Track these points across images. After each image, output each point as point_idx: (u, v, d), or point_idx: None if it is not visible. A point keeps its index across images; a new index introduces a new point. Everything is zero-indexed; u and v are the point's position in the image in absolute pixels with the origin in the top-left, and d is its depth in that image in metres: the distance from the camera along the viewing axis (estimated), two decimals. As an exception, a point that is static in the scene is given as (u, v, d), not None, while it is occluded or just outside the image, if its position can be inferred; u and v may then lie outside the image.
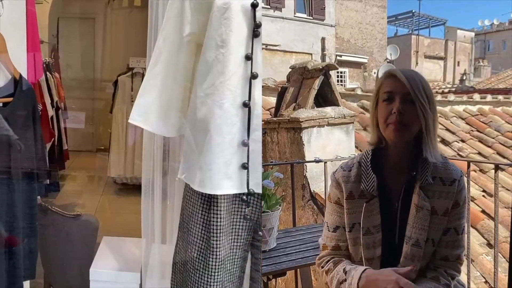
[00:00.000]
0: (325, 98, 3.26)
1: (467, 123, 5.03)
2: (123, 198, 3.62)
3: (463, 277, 1.59)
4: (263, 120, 3.31)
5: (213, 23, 1.13)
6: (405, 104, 1.08)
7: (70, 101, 4.50)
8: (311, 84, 3.16)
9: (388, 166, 1.17)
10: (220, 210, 1.17)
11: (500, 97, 5.81)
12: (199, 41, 1.18)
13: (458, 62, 21.96)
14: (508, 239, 2.54)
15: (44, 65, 3.62)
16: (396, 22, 22.80)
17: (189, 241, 1.21)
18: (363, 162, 1.18)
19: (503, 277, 2.23)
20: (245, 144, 1.13)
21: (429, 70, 19.25)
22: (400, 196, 1.15)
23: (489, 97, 5.61)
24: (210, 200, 1.17)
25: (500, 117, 5.21)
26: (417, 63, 19.88)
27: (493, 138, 4.65)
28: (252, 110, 1.13)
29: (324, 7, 13.38)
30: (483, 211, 3.26)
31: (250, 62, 1.12)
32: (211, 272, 1.18)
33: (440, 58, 21.58)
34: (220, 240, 1.18)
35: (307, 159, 2.91)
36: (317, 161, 2.65)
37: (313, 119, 3.01)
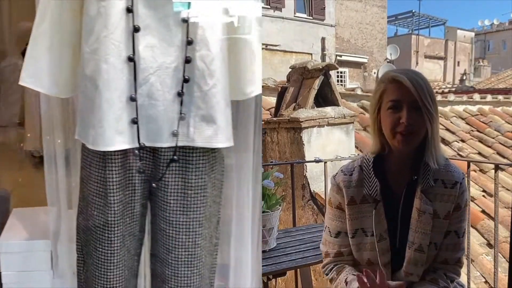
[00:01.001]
0: (325, 98, 3.26)
1: (467, 123, 5.03)
2: (42, 171, 3.54)
3: (463, 277, 1.59)
4: (263, 120, 3.32)
5: None
6: (412, 112, 1.05)
7: (-25, 73, 4.35)
8: (311, 84, 3.16)
9: (390, 170, 1.15)
10: (115, 166, 1.19)
11: (500, 97, 5.82)
12: None
13: (458, 62, 21.99)
14: (508, 239, 2.54)
15: None
16: (396, 22, 22.83)
17: (89, 200, 1.23)
18: (364, 167, 1.15)
19: (503, 277, 2.23)
20: (133, 99, 1.14)
21: (429, 70, 19.27)
22: (401, 200, 1.14)
23: (489, 97, 5.62)
24: (104, 157, 1.19)
25: (500, 117, 5.21)
26: (417, 63, 19.90)
27: (493, 138, 4.66)
28: (137, 64, 1.13)
29: (324, 7, 13.38)
30: (483, 211, 3.26)
31: (131, 15, 1.11)
32: (111, 227, 1.21)
33: (440, 58, 21.60)
34: (116, 196, 1.20)
35: (307, 159, 2.91)
36: (317, 161, 2.65)
37: (313, 119, 3.01)
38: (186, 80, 1.15)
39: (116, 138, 1.15)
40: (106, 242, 1.22)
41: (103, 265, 1.24)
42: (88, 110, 1.17)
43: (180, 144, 1.19)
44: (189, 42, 1.13)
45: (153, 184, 1.23)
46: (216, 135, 1.21)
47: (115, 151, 1.18)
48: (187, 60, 1.14)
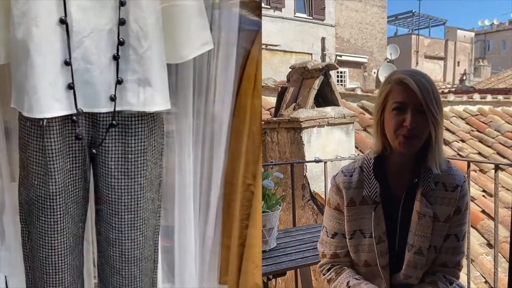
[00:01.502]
0: (325, 98, 3.26)
1: (467, 123, 5.03)
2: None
3: (463, 277, 1.59)
4: (263, 120, 3.32)
5: None
6: (416, 115, 1.03)
7: None
8: (311, 84, 3.16)
9: (390, 172, 1.14)
10: (53, 134, 1.17)
11: (500, 97, 5.82)
12: None
13: (458, 62, 22.01)
14: (508, 239, 2.54)
15: None
16: (396, 22, 22.86)
17: (29, 170, 1.21)
18: (365, 168, 1.15)
19: (503, 277, 2.23)
20: (67, 63, 1.11)
21: (429, 70, 19.27)
22: (401, 203, 1.13)
23: (489, 97, 5.62)
24: (42, 125, 1.17)
25: (500, 117, 5.22)
26: (417, 63, 19.91)
27: (493, 138, 4.66)
28: (70, 26, 1.10)
29: (324, 7, 13.39)
30: (483, 211, 3.26)
31: None
32: (53, 196, 1.19)
33: (440, 58, 21.62)
34: (56, 164, 1.18)
35: (307, 159, 2.91)
36: (317, 161, 2.65)
37: (313, 119, 3.01)
38: (121, 43, 1.13)
39: (53, 104, 1.12)
40: (49, 211, 1.21)
41: (46, 234, 1.23)
42: (22, 76, 1.13)
43: (118, 108, 1.17)
44: (122, 3, 1.11)
45: (93, 150, 1.22)
46: (153, 98, 1.20)
47: (52, 118, 1.15)
48: (121, 22, 1.12)
